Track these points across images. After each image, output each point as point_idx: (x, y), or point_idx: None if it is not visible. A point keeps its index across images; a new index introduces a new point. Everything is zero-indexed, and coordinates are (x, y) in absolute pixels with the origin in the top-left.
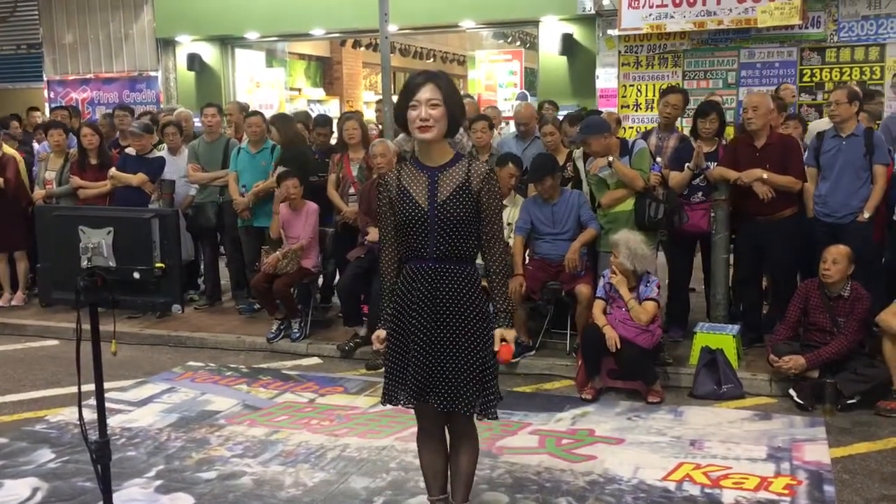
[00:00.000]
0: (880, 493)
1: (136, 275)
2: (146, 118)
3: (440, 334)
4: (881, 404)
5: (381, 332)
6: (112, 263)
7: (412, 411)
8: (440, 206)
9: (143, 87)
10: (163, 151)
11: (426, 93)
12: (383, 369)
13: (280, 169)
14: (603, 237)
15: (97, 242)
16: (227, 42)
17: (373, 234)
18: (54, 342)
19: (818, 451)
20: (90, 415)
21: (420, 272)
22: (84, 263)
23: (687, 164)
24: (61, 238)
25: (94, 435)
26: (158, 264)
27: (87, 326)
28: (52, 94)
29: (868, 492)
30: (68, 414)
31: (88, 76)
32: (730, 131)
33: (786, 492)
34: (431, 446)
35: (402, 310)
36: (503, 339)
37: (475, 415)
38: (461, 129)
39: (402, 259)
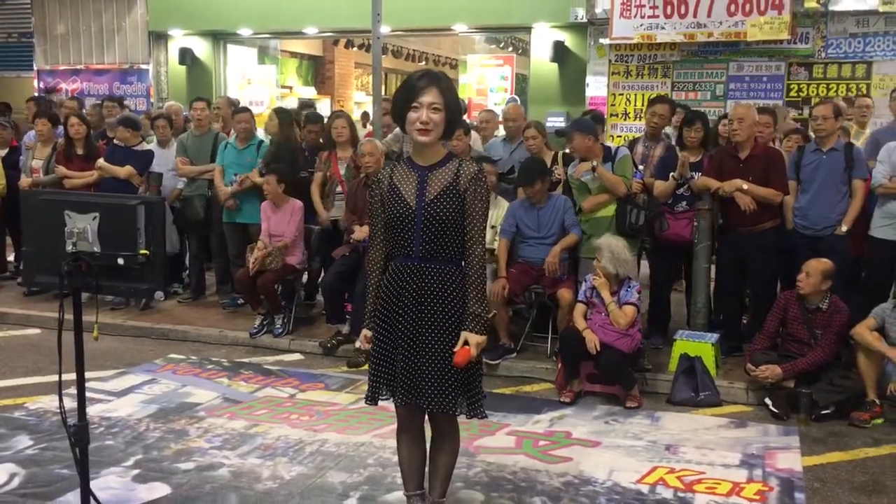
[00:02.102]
0: (849, 502)
1: (121, 261)
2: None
3: (424, 333)
4: (855, 415)
5: (368, 332)
6: (97, 249)
7: (392, 408)
8: (427, 205)
9: (134, 80)
10: (152, 144)
11: (429, 97)
12: (368, 367)
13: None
14: (584, 242)
15: (82, 227)
16: (220, 37)
17: (358, 232)
18: (36, 331)
19: (791, 459)
20: (71, 402)
21: (405, 270)
22: (69, 248)
23: (672, 174)
24: (47, 223)
25: (73, 420)
26: (143, 251)
27: (69, 317)
28: (42, 84)
29: (837, 500)
30: (47, 402)
31: (79, 67)
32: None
33: (757, 498)
34: (410, 440)
35: (387, 307)
36: (465, 343)
37: (465, 416)
38: None
39: (389, 256)
